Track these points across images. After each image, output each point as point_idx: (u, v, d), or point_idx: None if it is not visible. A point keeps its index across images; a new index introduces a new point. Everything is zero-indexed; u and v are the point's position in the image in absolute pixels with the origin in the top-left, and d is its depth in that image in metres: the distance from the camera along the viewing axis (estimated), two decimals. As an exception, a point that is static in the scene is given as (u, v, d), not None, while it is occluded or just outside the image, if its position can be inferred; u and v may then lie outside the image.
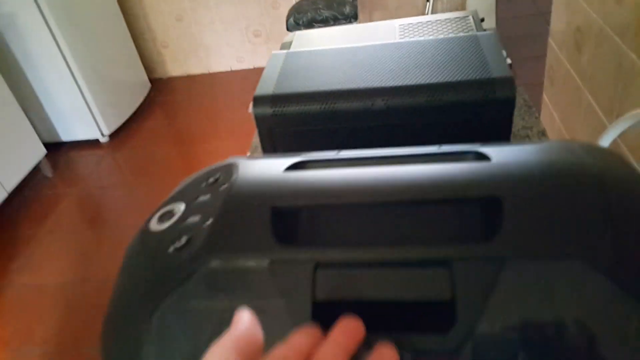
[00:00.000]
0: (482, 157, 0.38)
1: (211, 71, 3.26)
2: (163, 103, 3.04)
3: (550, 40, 1.34)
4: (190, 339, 0.37)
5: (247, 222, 0.37)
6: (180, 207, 0.42)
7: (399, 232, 0.35)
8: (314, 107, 0.61)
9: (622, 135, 0.82)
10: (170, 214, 0.41)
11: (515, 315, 0.30)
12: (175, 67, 3.26)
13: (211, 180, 0.43)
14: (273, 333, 0.31)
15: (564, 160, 0.36)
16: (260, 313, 0.36)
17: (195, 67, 3.26)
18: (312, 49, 0.72)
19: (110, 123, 2.67)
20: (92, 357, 1.64)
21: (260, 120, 0.63)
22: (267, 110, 0.62)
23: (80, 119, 2.58)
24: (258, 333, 0.30)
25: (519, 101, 0.88)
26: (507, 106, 0.58)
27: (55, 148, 2.65)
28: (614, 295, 0.29)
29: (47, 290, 1.91)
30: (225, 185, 0.41)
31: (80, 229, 2.21)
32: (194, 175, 0.46)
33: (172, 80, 3.26)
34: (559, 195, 0.33)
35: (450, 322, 0.30)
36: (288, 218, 0.37)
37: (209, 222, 0.38)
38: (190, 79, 3.25)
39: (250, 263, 0.35)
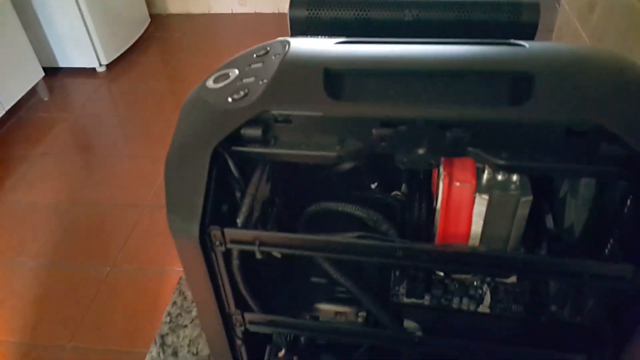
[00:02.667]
0: (518, 45, 0.42)
1: (212, 12, 3.21)
2: (161, 39, 3.00)
3: (563, 2, 1.37)
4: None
5: (301, 81, 0.40)
6: (235, 72, 0.45)
7: (439, 98, 0.40)
8: (348, 13, 0.64)
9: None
10: (225, 76, 0.45)
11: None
12: (175, 3, 3.21)
13: (262, 52, 0.47)
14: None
15: (590, 51, 0.41)
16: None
17: (195, 6, 3.20)
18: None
19: (109, 53, 2.64)
20: (84, 274, 1.68)
21: (294, 22, 0.66)
22: (303, 12, 0.65)
23: (79, 45, 2.54)
24: None
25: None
26: (531, 30, 0.62)
27: (52, 73, 2.61)
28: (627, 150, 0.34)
29: (40, 209, 1.93)
30: (278, 54, 0.44)
31: (73, 153, 2.22)
32: (243, 52, 0.49)
33: (171, 17, 3.21)
34: (585, 74, 0.37)
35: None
36: (339, 79, 0.41)
37: (265, 81, 0.41)
38: (190, 17, 3.20)
39: (305, 113, 0.39)
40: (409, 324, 0.51)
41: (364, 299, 0.47)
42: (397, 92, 0.40)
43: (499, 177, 0.41)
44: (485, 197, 0.40)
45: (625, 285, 0.33)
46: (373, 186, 0.58)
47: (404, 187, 0.57)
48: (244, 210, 0.40)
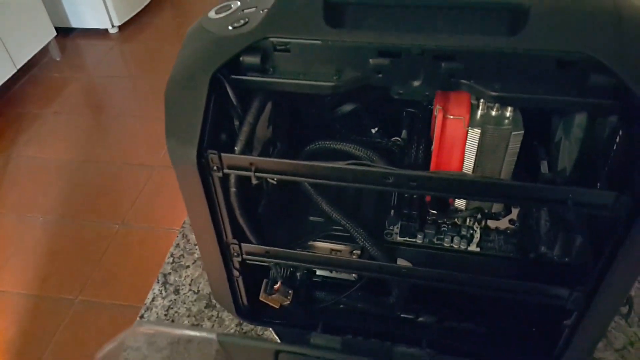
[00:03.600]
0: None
1: (226, -24, 3.17)
2: (174, 2, 2.98)
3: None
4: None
5: (301, 10, 0.41)
6: (237, 3, 0.46)
7: (435, 28, 0.40)
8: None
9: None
10: (227, 7, 0.45)
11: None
12: (189, -33, 3.18)
13: (264, -12, 0.47)
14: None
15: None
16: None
17: (210, -30, 3.17)
18: None
19: (121, 14, 2.63)
20: (93, 230, 1.72)
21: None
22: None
23: (92, 6, 2.54)
24: None
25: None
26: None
27: (65, 33, 2.62)
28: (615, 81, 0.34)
29: (52, 166, 1.97)
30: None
31: (85, 113, 2.24)
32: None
33: (185, -20, 3.19)
34: (578, 6, 0.37)
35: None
36: (339, 8, 0.41)
37: (266, 10, 0.42)
38: (204, -19, 3.17)
39: (303, 41, 0.39)
40: (402, 262, 0.52)
41: (357, 234, 0.49)
42: (394, 22, 0.41)
43: (493, 113, 0.42)
44: (478, 130, 0.41)
45: (607, 213, 0.34)
46: (374, 131, 0.59)
47: (404, 133, 0.58)
48: (241, 138, 0.41)
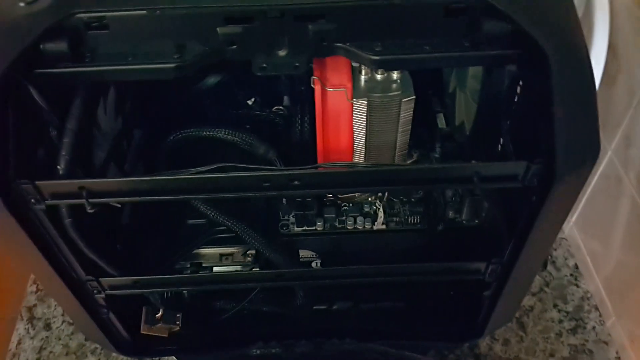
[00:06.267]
0: None
1: None
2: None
3: None
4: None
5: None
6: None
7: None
8: None
9: None
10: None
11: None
12: None
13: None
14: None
15: None
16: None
17: None
18: None
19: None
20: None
21: None
22: None
23: None
24: None
25: None
26: None
27: None
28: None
29: None
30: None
31: None
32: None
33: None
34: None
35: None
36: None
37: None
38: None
39: (124, 13, 0.29)
40: (304, 253, 0.46)
41: (247, 236, 0.41)
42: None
43: (378, 77, 0.35)
44: (364, 101, 0.34)
45: (518, 184, 0.29)
46: (250, 102, 0.50)
47: (285, 99, 0.50)
48: (64, 153, 0.31)
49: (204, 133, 0.41)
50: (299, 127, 0.45)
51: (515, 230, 0.33)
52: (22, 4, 0.30)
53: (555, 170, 0.28)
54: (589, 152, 0.28)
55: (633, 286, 0.51)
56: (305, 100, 0.47)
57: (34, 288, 0.59)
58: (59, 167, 0.31)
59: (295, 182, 0.30)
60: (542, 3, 0.29)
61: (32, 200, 0.30)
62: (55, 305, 0.57)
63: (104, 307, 0.39)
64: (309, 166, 0.31)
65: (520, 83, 0.33)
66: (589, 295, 0.57)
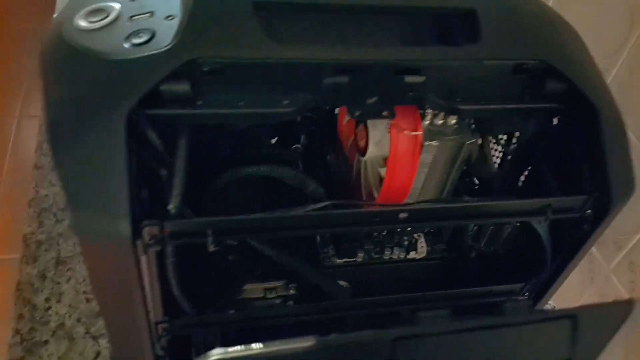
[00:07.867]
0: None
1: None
2: None
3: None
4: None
5: (229, 18, 0.32)
6: (113, 6, 0.33)
7: (393, 39, 0.36)
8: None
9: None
10: (101, 11, 0.33)
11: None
12: None
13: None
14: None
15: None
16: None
17: None
18: None
19: None
20: None
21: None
22: None
23: None
24: None
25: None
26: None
27: None
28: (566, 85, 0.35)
29: None
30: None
31: None
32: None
33: None
34: (521, 15, 0.37)
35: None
36: (275, 16, 0.33)
37: (176, 18, 0.31)
38: None
39: (243, 57, 0.31)
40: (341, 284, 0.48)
41: (301, 268, 0.43)
42: (345, 33, 0.35)
43: (439, 122, 0.39)
44: (435, 143, 0.38)
45: (577, 214, 0.36)
46: (273, 141, 0.52)
47: (303, 138, 0.53)
48: (175, 192, 0.31)
49: (261, 169, 0.42)
50: (337, 167, 0.48)
51: (559, 252, 0.39)
52: (127, 45, 0.30)
53: (610, 201, 0.34)
54: (630, 186, 0.35)
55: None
56: (327, 139, 0.50)
57: (17, 339, 0.53)
58: (170, 206, 0.31)
59: (401, 215, 0.33)
60: (589, 68, 0.36)
61: (151, 242, 0.29)
62: (48, 355, 0.52)
63: (165, 349, 0.38)
64: (412, 202, 0.34)
65: (568, 134, 0.39)
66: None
